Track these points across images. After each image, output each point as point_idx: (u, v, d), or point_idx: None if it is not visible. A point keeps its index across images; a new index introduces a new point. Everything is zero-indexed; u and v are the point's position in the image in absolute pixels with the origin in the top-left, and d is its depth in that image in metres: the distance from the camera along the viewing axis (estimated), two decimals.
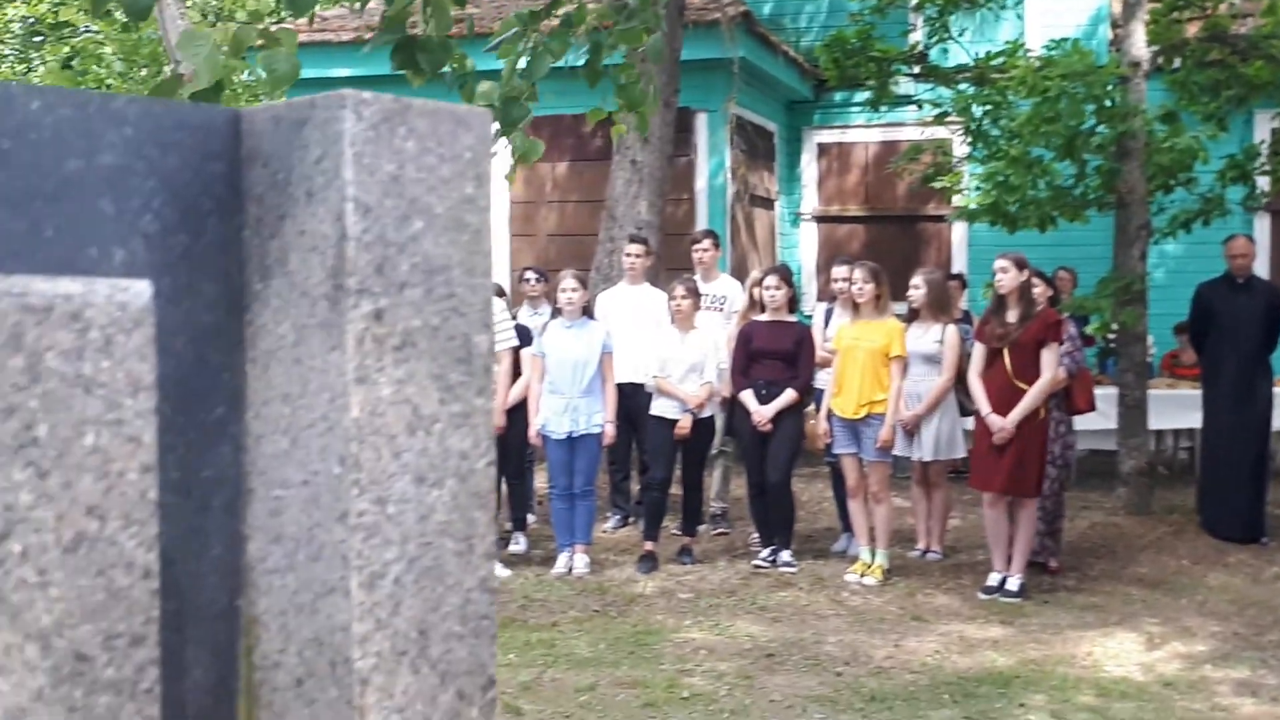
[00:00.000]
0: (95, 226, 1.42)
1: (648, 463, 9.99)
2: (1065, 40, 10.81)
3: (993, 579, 8.78)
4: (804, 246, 15.67)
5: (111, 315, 1.28)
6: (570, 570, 9.44)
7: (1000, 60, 11.11)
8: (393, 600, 1.47)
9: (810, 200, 15.88)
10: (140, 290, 1.30)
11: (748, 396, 9.43)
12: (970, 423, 9.21)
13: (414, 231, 1.48)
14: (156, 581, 1.32)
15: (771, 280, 9.57)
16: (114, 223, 1.43)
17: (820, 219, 15.65)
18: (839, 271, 9.88)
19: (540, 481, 11.07)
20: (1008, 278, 8.62)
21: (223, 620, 1.53)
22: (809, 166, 15.74)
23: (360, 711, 1.45)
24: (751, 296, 9.87)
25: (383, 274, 1.45)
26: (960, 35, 12.31)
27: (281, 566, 1.52)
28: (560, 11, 6.24)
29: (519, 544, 10.14)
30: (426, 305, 1.49)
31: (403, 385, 1.47)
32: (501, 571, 9.48)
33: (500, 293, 10.69)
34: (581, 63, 6.38)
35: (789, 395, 9.34)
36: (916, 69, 12.62)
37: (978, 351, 8.82)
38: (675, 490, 9.96)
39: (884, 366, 9.14)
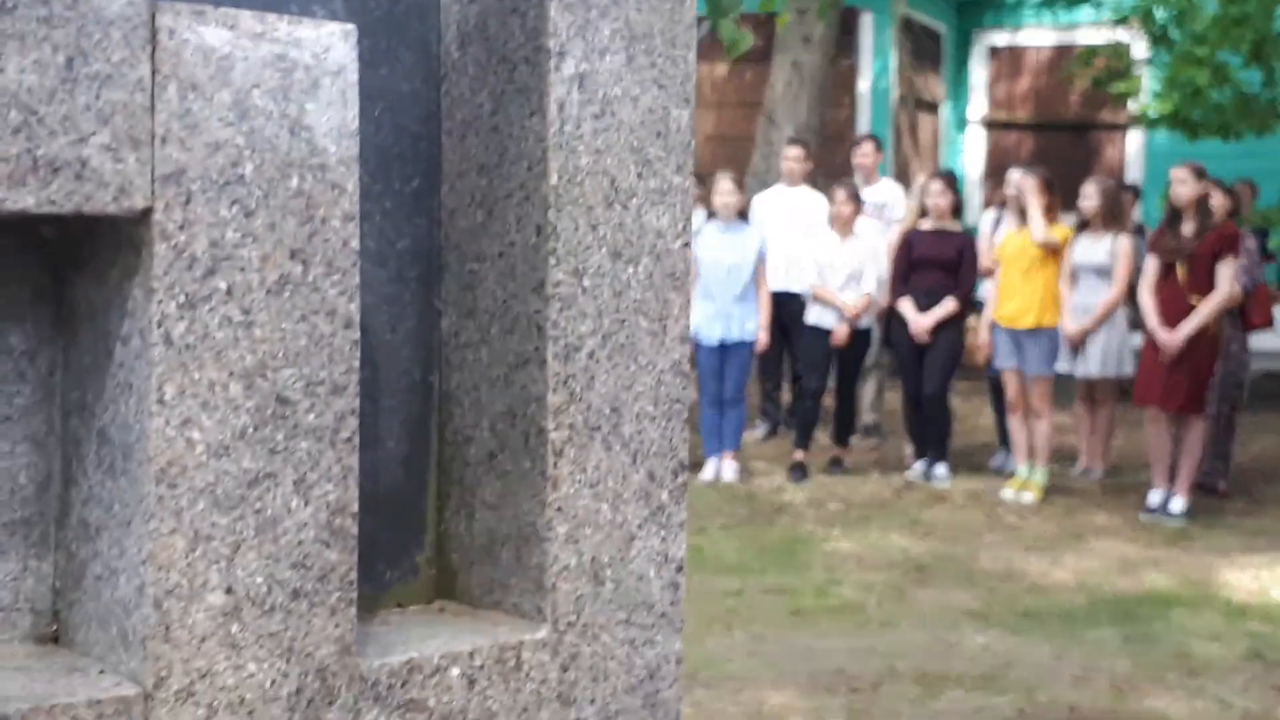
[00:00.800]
0: None
1: (801, 372, 9.97)
2: None
3: (1155, 499, 8.61)
4: (969, 154, 15.36)
5: (318, 57, 1.29)
6: (718, 477, 9.47)
7: None
8: (587, 374, 1.48)
9: (978, 106, 15.51)
10: (348, 32, 1.31)
11: (906, 306, 9.34)
12: (1139, 340, 9.02)
13: None
14: (357, 333, 1.34)
15: (935, 185, 9.44)
16: None
17: (988, 125, 15.31)
18: (1013, 177, 9.68)
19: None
20: (1185, 188, 8.38)
21: (415, 394, 1.56)
22: (978, 70, 15.39)
23: (553, 483, 1.46)
24: (917, 202, 9.75)
25: (584, 38, 1.44)
26: None
27: (474, 341, 1.54)
28: None
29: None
30: (627, 74, 1.48)
31: (600, 156, 1.47)
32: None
33: None
34: None
35: (949, 305, 9.23)
36: None
37: (1150, 264, 8.60)
38: (828, 401, 9.94)
39: (1052, 273, 8.97)
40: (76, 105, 1.20)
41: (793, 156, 10.14)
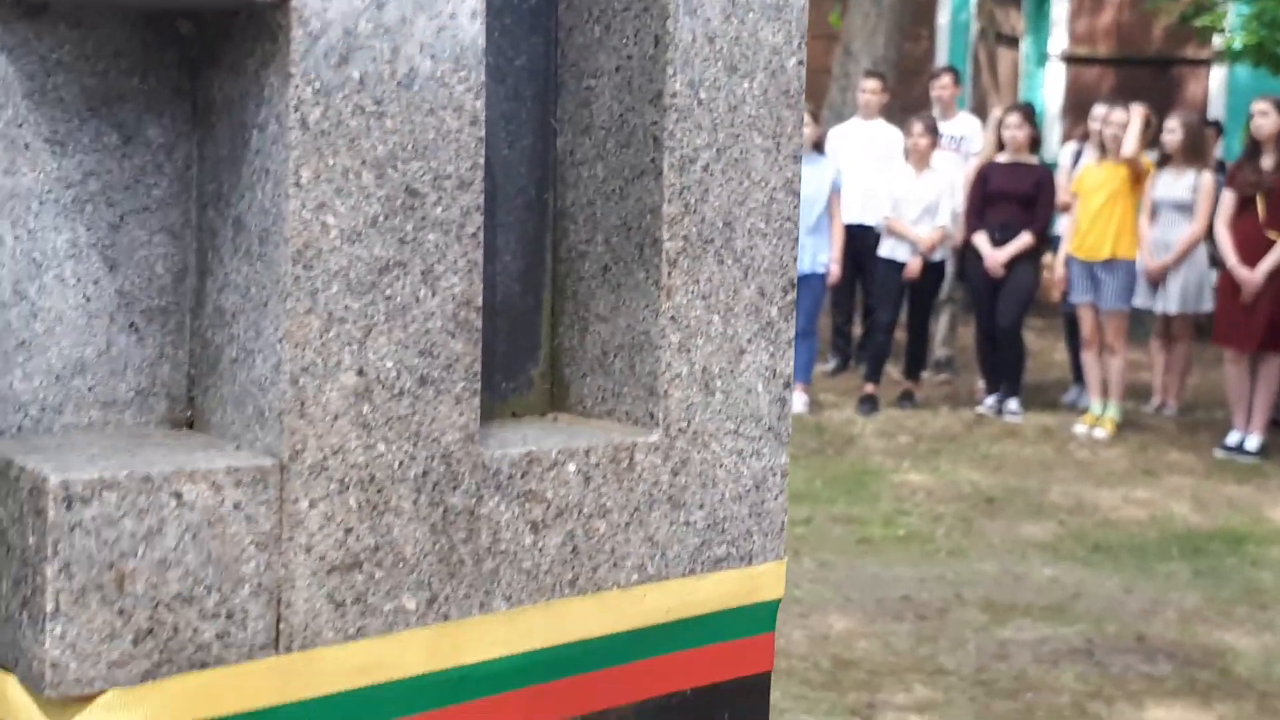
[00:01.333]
0: None
1: (873, 305, 9.99)
2: None
3: (1231, 437, 8.60)
4: (1049, 88, 15.28)
5: None
6: None
7: None
8: (701, 187, 1.53)
9: (1059, 40, 15.39)
10: None
11: (981, 239, 9.34)
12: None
13: None
14: (482, 130, 1.39)
15: (1013, 119, 9.41)
16: None
17: (1068, 60, 15.17)
18: (1098, 111, 9.59)
19: None
20: (1267, 121, 8.32)
21: (531, 211, 1.62)
22: (1058, 4, 15.27)
23: (666, 292, 1.51)
24: (993, 135, 9.72)
25: None
26: None
27: (590, 157, 1.59)
28: None
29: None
30: None
31: None
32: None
33: None
34: None
35: (1024, 239, 9.22)
36: None
37: (1227, 199, 8.55)
38: (899, 335, 9.96)
39: (1130, 205, 8.92)
40: None
41: (869, 89, 10.14)
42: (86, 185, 1.42)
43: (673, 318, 1.56)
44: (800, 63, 1.56)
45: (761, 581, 1.66)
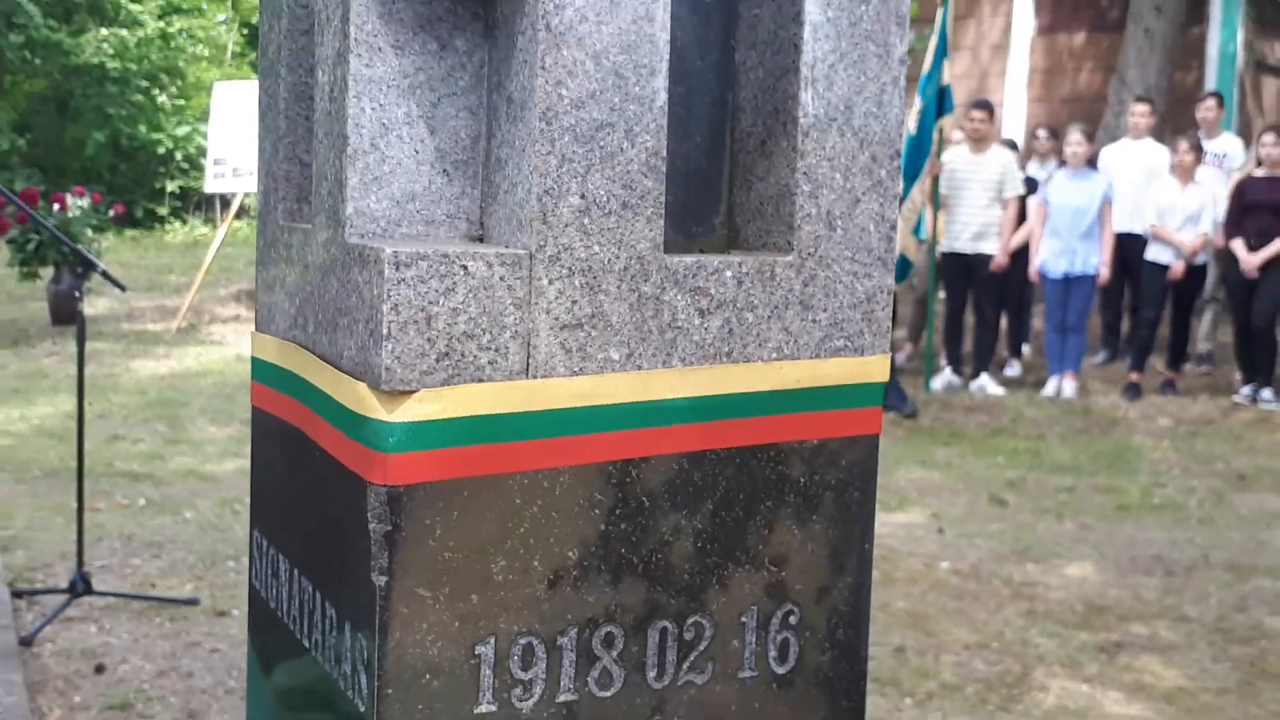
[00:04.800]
0: None
1: (1139, 304, 9.87)
2: None
3: None
4: None
5: None
6: (1058, 393, 9.52)
7: None
8: (828, 80, 1.87)
9: None
10: None
11: (1238, 245, 9.16)
12: None
13: None
14: (668, 33, 1.75)
15: (1269, 137, 9.20)
16: None
17: None
18: None
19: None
20: None
21: (716, 107, 1.97)
22: None
23: (800, 155, 1.87)
24: (1253, 154, 9.51)
25: None
26: None
27: (754, 64, 1.95)
28: None
29: (1014, 369, 10.34)
30: None
31: None
32: (995, 389, 9.70)
33: (1012, 146, 10.77)
34: None
35: (1278, 245, 8.99)
36: None
37: None
38: (1164, 331, 9.80)
39: None
40: None
41: (1139, 112, 10.04)
42: (416, 77, 1.79)
43: (804, 174, 1.85)
44: None
45: (870, 368, 1.93)
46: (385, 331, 1.65)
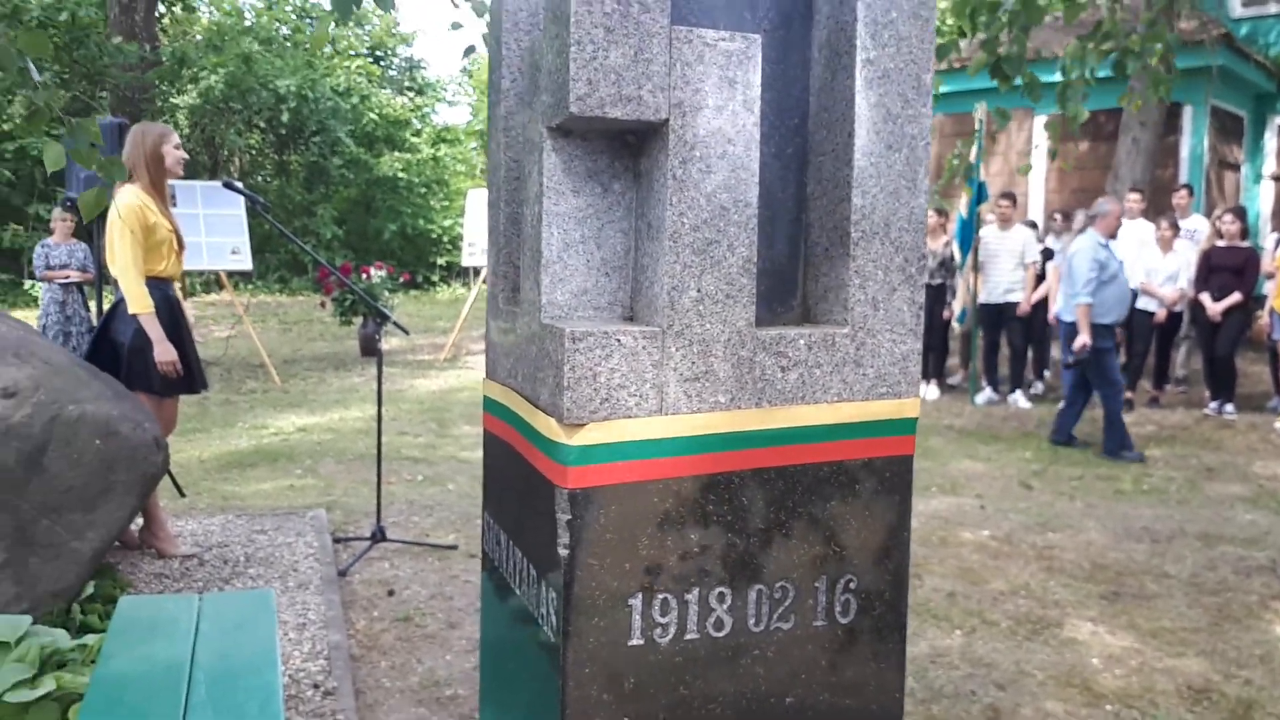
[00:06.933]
0: None
1: (1132, 341, 9.44)
2: None
3: None
4: (1263, 198, 13.59)
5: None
6: None
7: None
8: (871, 207, 1.85)
9: (1270, 166, 13.70)
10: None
11: (1205, 297, 8.71)
12: None
13: None
14: (756, 182, 1.77)
15: (1227, 217, 8.74)
16: None
17: (1276, 179, 13.47)
18: None
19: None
20: None
21: (795, 224, 1.94)
22: (1270, 140, 13.59)
23: (853, 258, 1.85)
24: (1214, 229, 9.03)
25: None
26: None
27: (819, 195, 1.93)
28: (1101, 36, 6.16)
29: (1038, 388, 9.99)
30: None
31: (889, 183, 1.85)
32: (1024, 403, 9.37)
33: (1032, 225, 10.43)
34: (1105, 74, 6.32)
35: (1235, 297, 8.53)
36: None
37: None
38: (1150, 361, 9.34)
39: None
40: (637, 71, 1.69)
41: (1133, 199, 9.61)
42: (587, 210, 1.81)
43: (856, 271, 1.83)
44: (925, 169, 1.88)
45: (905, 408, 1.89)
46: (566, 384, 1.68)
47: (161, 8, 20.98)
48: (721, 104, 1.70)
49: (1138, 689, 3.71)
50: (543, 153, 1.79)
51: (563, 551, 1.71)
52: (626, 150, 1.82)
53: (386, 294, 12.35)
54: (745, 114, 1.73)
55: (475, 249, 13.14)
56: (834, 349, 1.85)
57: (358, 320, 12.79)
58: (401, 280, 14.41)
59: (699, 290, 1.74)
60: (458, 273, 27.64)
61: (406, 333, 5.29)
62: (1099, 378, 7.56)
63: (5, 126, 17.43)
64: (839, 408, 1.86)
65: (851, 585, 1.90)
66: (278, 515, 5.47)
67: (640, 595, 1.75)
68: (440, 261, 27.35)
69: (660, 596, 1.77)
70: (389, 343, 14.18)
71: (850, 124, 1.82)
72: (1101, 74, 8.95)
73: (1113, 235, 7.65)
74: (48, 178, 17.62)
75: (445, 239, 26.72)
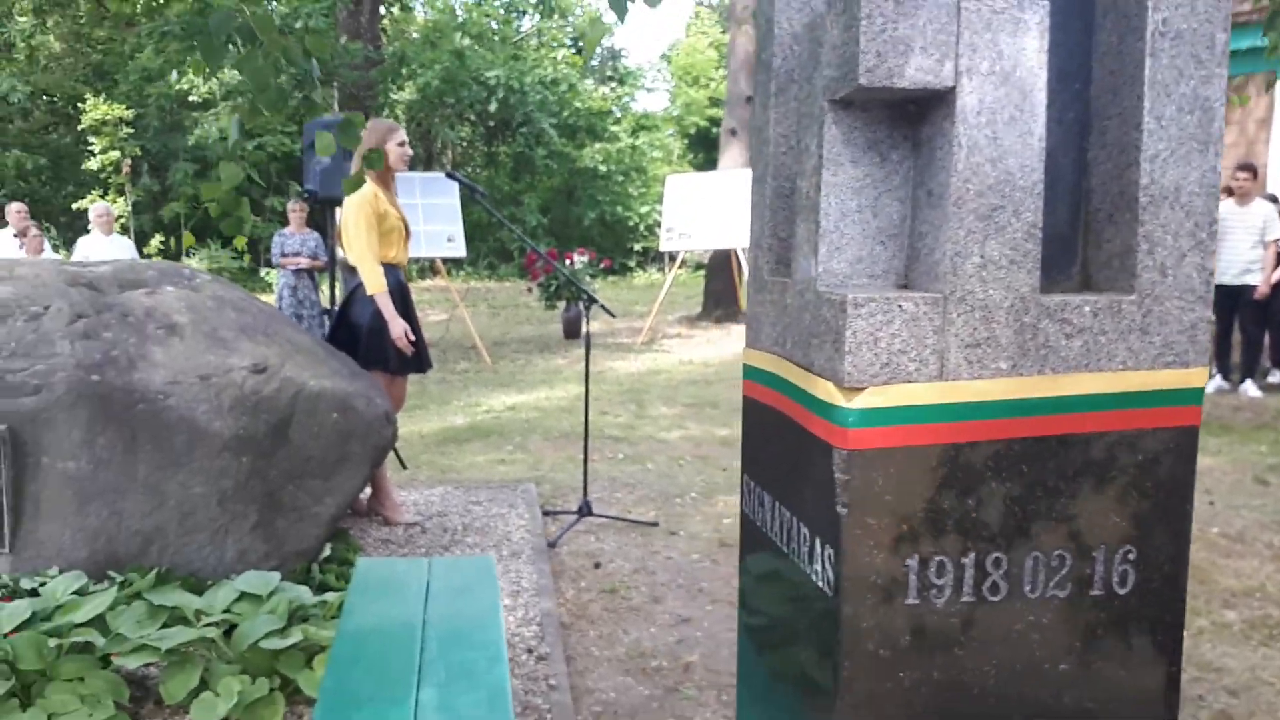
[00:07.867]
0: None
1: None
2: None
3: None
4: None
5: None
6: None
7: None
8: (1161, 171, 1.81)
9: None
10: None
11: None
12: None
13: None
14: (1042, 153, 1.76)
15: None
16: None
17: None
18: None
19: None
20: None
21: (1074, 191, 1.92)
22: None
23: (1142, 224, 1.80)
24: None
25: None
26: None
27: (1102, 159, 1.90)
28: None
29: (1275, 376, 9.26)
30: None
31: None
32: (1256, 393, 8.72)
33: (1273, 199, 9.62)
34: None
35: None
36: None
37: None
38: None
39: None
40: (925, 41, 1.73)
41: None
42: (865, 180, 1.84)
43: (1144, 237, 1.79)
44: (1219, 134, 1.81)
45: (1192, 377, 1.83)
46: (847, 348, 1.73)
47: (382, 9, 22.18)
48: (1008, 70, 1.70)
49: None
50: (823, 125, 1.83)
51: (841, 510, 1.76)
52: (905, 119, 1.85)
53: (588, 278, 12.68)
54: (1031, 80, 1.72)
55: (673, 234, 13.30)
56: (1120, 316, 1.82)
57: (561, 304, 13.21)
58: (602, 266, 14.77)
59: (982, 256, 1.75)
60: (654, 258, 28.03)
61: (613, 315, 5.39)
62: None
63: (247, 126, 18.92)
64: (1124, 376, 1.82)
65: (1130, 556, 1.86)
66: (491, 488, 5.74)
67: (916, 556, 1.78)
68: (637, 247, 27.81)
69: (937, 559, 1.79)
70: (590, 326, 14.56)
71: (1139, 86, 1.78)
72: None
73: None
74: (280, 173, 19.00)
75: (642, 226, 27.17)
